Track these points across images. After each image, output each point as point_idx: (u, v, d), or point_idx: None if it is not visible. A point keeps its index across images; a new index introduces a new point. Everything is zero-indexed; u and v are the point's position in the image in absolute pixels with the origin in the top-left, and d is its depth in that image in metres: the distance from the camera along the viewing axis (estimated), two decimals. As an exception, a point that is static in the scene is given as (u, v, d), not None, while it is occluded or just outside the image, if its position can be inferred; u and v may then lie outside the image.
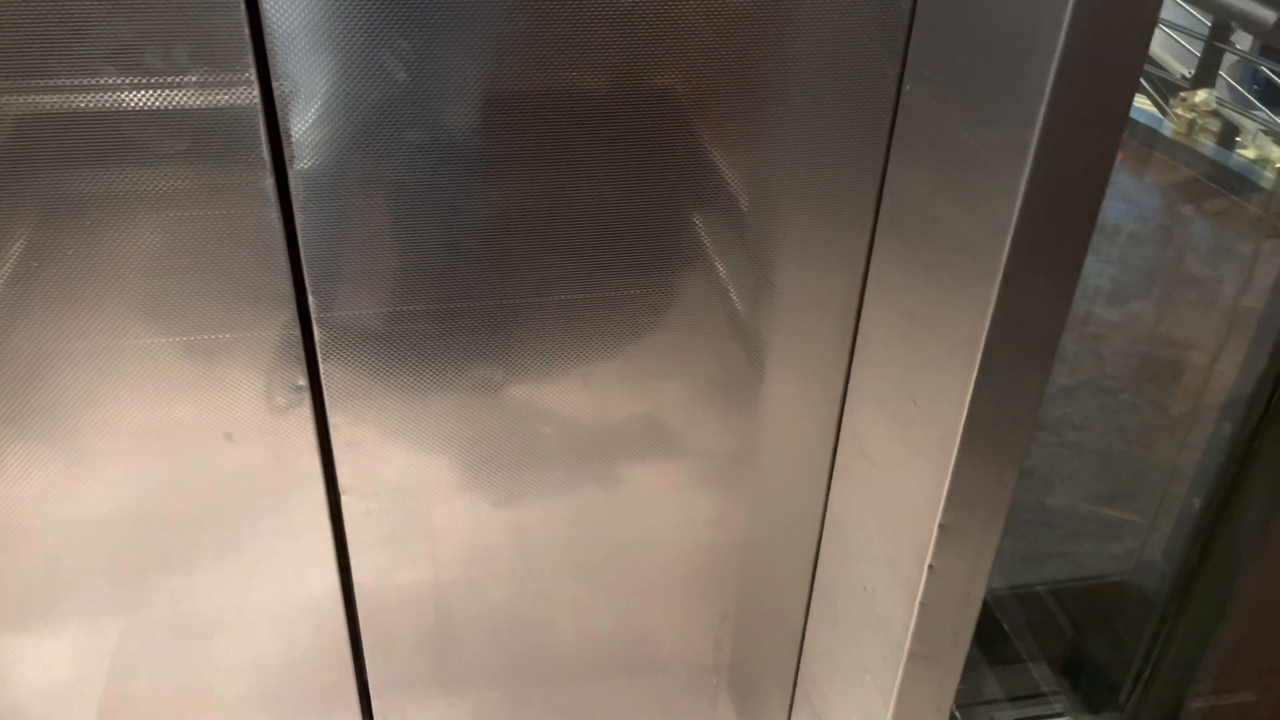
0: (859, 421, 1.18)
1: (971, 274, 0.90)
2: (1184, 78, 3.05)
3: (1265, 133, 2.80)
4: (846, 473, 1.23)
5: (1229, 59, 3.05)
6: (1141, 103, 2.97)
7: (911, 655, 1.09)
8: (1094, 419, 2.09)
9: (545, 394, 1.15)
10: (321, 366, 1.07)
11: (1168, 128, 2.91)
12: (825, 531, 1.31)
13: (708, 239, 1.08)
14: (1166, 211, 2.77)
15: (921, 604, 1.05)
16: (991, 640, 1.59)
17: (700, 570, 1.34)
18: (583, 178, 1.01)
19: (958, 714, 1.43)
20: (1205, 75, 3.01)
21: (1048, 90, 0.78)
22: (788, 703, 1.49)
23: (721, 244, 1.08)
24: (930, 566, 1.03)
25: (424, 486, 1.18)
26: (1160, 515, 1.48)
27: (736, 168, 1.04)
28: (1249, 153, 2.76)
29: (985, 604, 1.10)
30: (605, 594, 1.34)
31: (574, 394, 1.15)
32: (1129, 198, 2.77)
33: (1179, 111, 2.93)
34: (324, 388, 1.08)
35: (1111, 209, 2.70)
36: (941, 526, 1.00)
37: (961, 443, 0.96)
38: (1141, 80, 3.05)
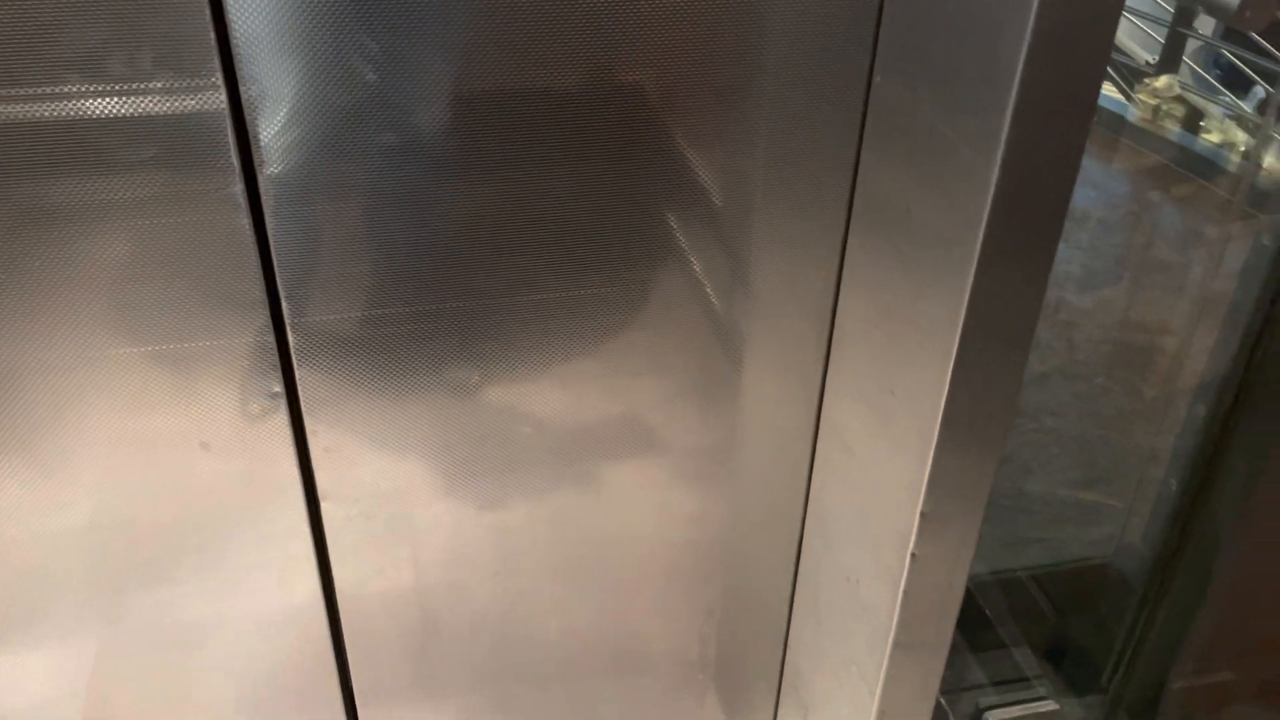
0: (838, 414, 1.19)
1: (946, 265, 0.90)
2: (1148, 64, 3.08)
3: (1229, 117, 2.83)
4: (827, 465, 1.23)
5: (1192, 44, 3.08)
6: (1107, 89, 3.00)
7: (897, 644, 1.10)
8: (1070, 405, 2.11)
9: (524, 395, 1.14)
10: (297, 372, 1.06)
11: (1133, 114, 2.94)
12: (808, 524, 1.31)
13: (682, 236, 1.08)
14: (1135, 197, 2.80)
15: (905, 592, 1.06)
16: (975, 626, 1.61)
17: (684, 567, 1.34)
18: (556, 177, 1.00)
19: (943, 701, 1.44)
20: (1169, 61, 3.04)
21: (1017, 78, 0.78)
22: (775, 696, 1.49)
23: (696, 241, 1.08)
24: (913, 555, 1.03)
25: (404, 491, 1.18)
26: (1138, 499, 1.49)
27: (709, 164, 1.04)
28: (1214, 137, 2.79)
29: (968, 590, 1.11)
30: (589, 594, 1.33)
31: (553, 394, 1.15)
32: (1098, 184, 2.80)
33: (1144, 98, 2.96)
34: (300, 394, 1.07)
35: (1080, 196, 2.71)
36: (923, 515, 1.01)
37: (941, 432, 0.96)
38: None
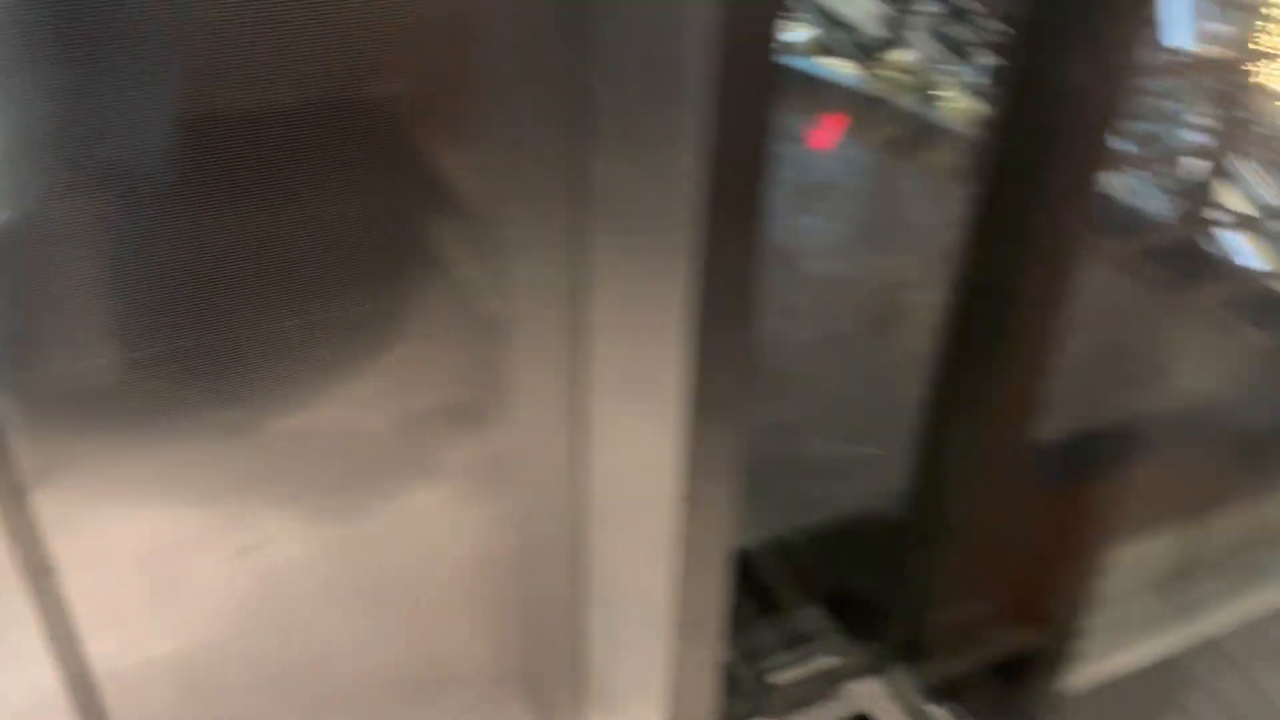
0: (602, 407, 1.20)
1: (667, 250, 0.93)
2: (881, 41, 3.28)
3: (960, 86, 3.05)
4: (599, 459, 1.25)
5: (924, 20, 3.30)
6: (844, 66, 3.18)
7: (676, 624, 1.12)
8: (836, 367, 2.23)
9: (289, 427, 1.10)
10: (11, 438, 0.97)
11: (874, 89, 3.12)
12: (587, 520, 1.32)
13: (435, 247, 1.06)
14: (877, 166, 2.98)
15: (677, 573, 1.08)
16: (758, 592, 1.66)
17: (475, 581, 1.33)
18: (294, 199, 0.97)
19: (740, 668, 1.48)
20: (901, 37, 3.25)
21: (706, 66, 0.81)
22: (577, 693, 1.50)
23: (450, 251, 1.07)
24: (679, 536, 1.06)
25: (159, 549, 1.11)
26: (900, 448, 1.58)
27: (454, 173, 1.03)
28: (947, 105, 3.01)
29: (749, 558, 1.14)
30: (382, 624, 1.30)
31: (319, 423, 1.11)
32: (846, 159, 2.96)
33: (881, 73, 3.15)
34: (18, 460, 0.99)
35: (830, 170, 2.87)
36: (684, 497, 1.03)
37: (688, 415, 0.99)
38: (845, 45, 3.26)
